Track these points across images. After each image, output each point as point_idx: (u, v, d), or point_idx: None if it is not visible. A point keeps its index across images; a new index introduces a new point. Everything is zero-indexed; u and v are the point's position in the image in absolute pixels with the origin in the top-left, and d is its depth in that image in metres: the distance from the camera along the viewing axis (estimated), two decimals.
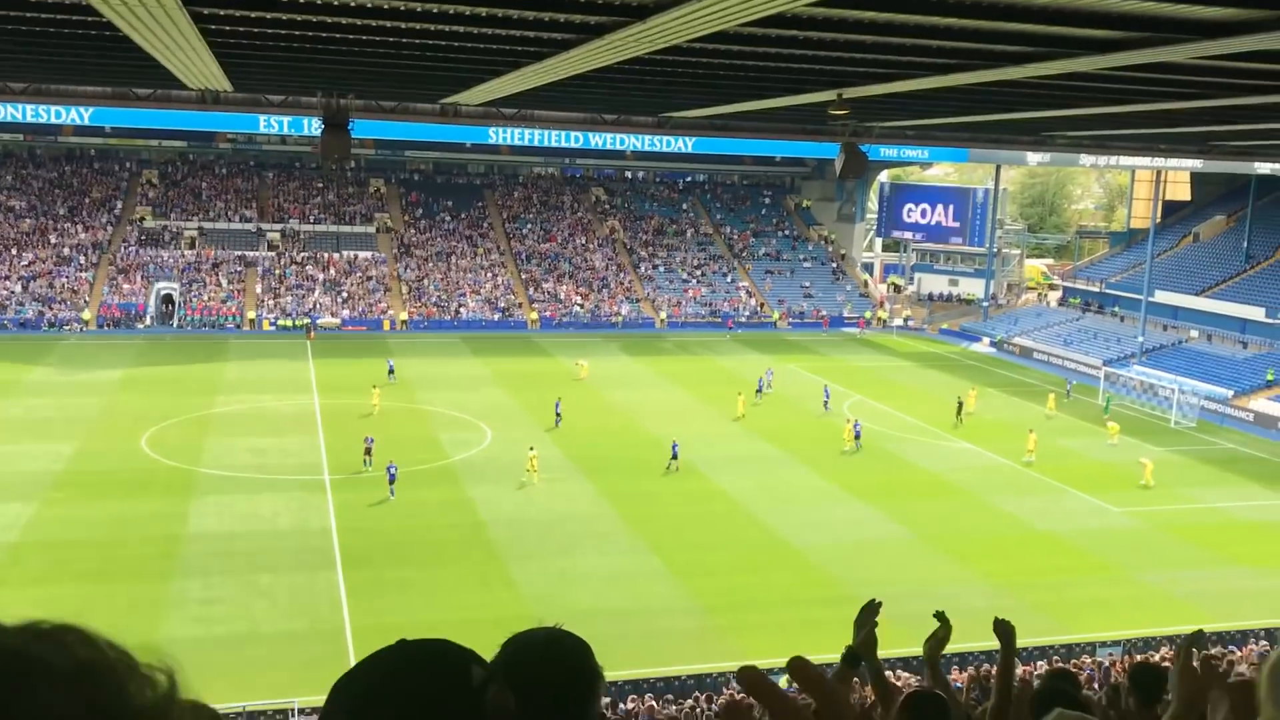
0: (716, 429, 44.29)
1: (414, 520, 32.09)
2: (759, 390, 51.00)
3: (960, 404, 47.36)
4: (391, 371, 52.07)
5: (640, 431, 42.98)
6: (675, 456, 38.22)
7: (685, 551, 30.12)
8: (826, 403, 49.07)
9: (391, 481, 34.27)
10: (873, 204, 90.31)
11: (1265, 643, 23.30)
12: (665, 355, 61.87)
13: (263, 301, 68.43)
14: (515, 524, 32.21)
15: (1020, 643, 19.07)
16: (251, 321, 66.58)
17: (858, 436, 42.24)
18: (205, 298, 67.80)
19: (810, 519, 33.47)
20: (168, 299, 67.02)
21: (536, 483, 35.63)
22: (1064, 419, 49.16)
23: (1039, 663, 21.72)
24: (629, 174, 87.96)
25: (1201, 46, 11.85)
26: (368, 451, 36.85)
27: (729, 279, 78.97)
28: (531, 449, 37.07)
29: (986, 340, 70.97)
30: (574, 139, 50.96)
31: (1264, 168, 50.71)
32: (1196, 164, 57.64)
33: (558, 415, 43.76)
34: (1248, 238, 69.64)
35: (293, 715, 20.10)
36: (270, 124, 51.56)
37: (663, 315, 73.38)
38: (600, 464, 38.30)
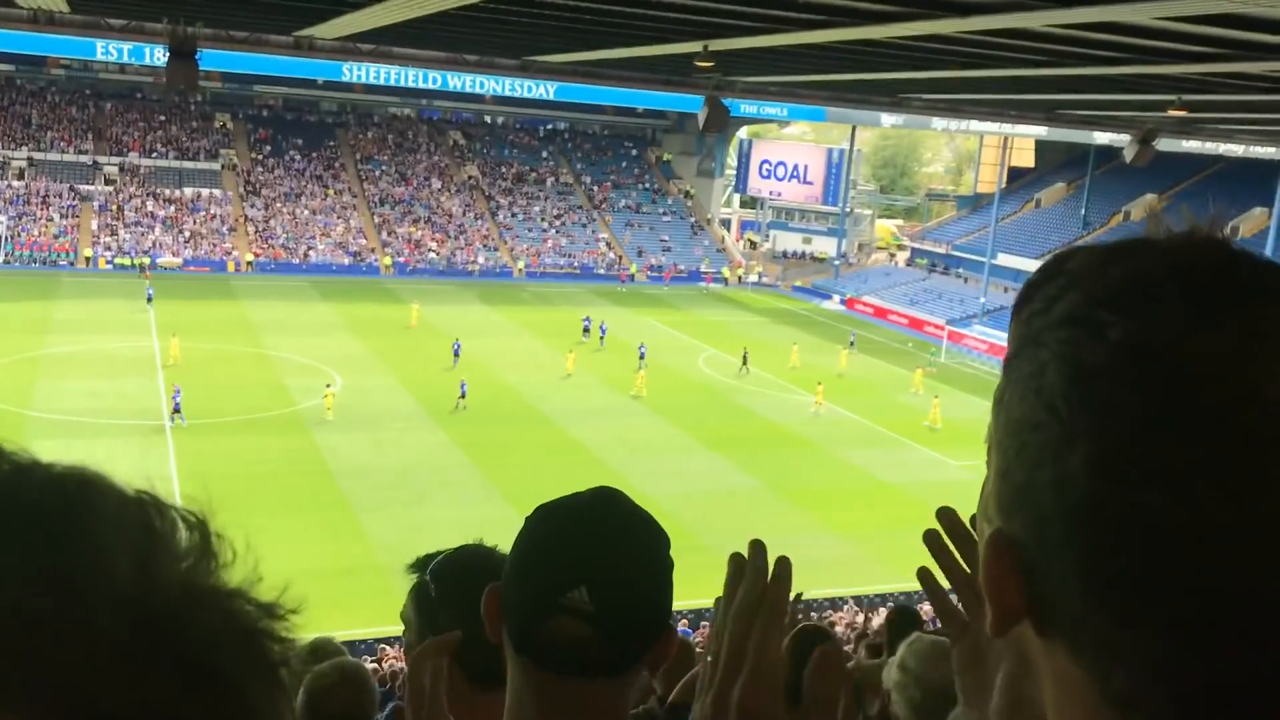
0: (572, 380, 44.26)
1: (259, 468, 31.22)
2: (585, 330, 52.54)
3: (745, 356, 48.25)
4: (150, 300, 51.55)
5: (496, 381, 42.67)
6: (463, 395, 38.51)
7: (539, 501, 29.95)
8: (602, 339, 51.26)
9: (176, 411, 34.05)
10: (731, 160, 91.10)
11: None
12: (524, 305, 61.46)
13: (98, 238, 65.18)
14: (365, 473, 31.66)
15: (861, 590, 19.39)
16: (87, 259, 63.38)
17: (641, 358, 44.95)
18: (35, 232, 64.20)
19: (663, 469, 33.82)
20: None
21: (332, 419, 35.67)
22: (896, 370, 50.78)
23: (880, 609, 22.49)
24: (488, 118, 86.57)
25: (1057, 14, 12.21)
26: (179, 409, 34.55)
27: (589, 230, 78.72)
28: (329, 385, 37.15)
29: (837, 298, 72.61)
30: (432, 79, 49.57)
31: (1103, 138, 52.91)
32: (1042, 131, 59.75)
33: (456, 355, 44.60)
34: (1085, 205, 72.91)
35: None
36: (109, 50, 48.66)
37: (521, 265, 72.79)
38: (454, 413, 37.92)
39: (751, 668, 1.11)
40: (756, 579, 1.15)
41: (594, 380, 44.46)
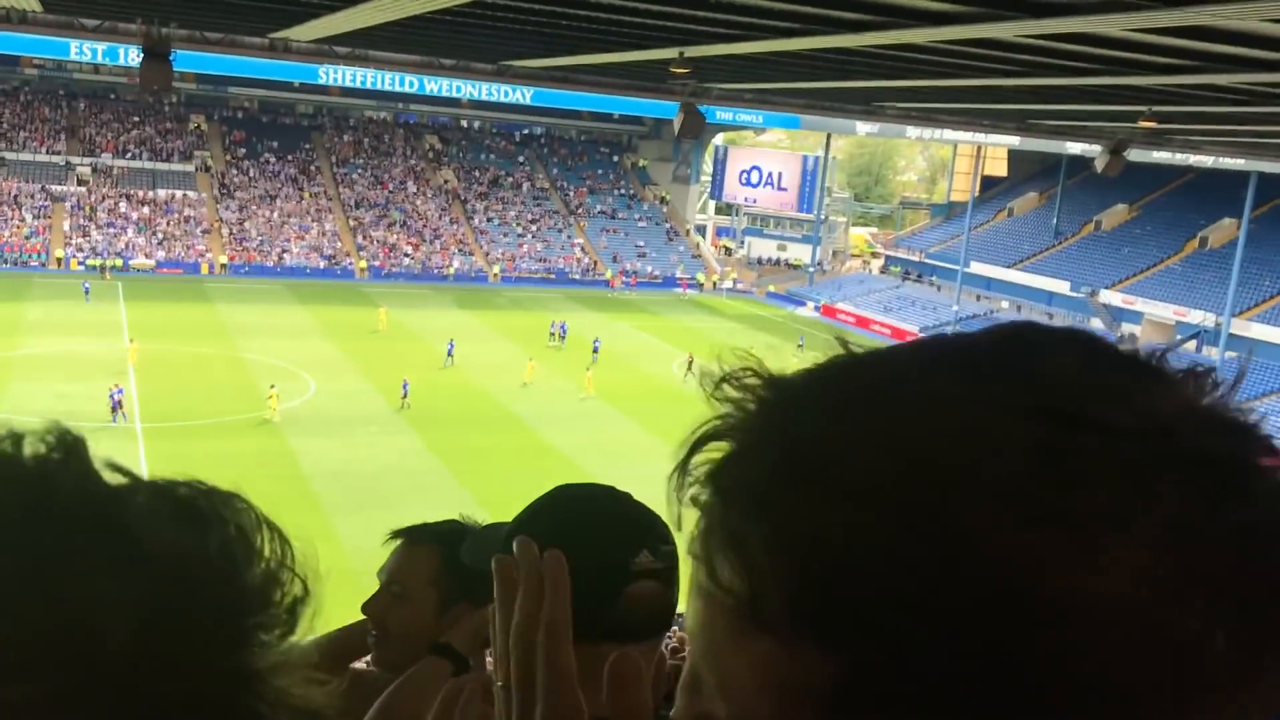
0: (547, 385, 44.25)
1: (231, 471, 30.40)
2: (552, 335, 52.86)
3: (690, 361, 47.76)
4: (87, 293, 51.63)
5: (471, 385, 42.60)
6: (405, 395, 38.76)
7: (514, 506, 29.48)
8: (564, 336, 52.32)
9: (117, 409, 34.22)
10: (707, 166, 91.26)
11: None
12: (499, 310, 61.39)
13: (70, 239, 64.66)
14: (339, 477, 31.55)
15: None
16: (59, 260, 62.85)
17: (595, 351, 47.22)
18: (7, 233, 63.62)
19: (637, 473, 33.57)
20: None
21: (278, 419, 35.85)
22: None
23: None
24: (465, 123, 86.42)
25: (1029, 25, 12.35)
26: (118, 406, 34.71)
27: (564, 235, 78.69)
28: (272, 386, 37.12)
29: (811, 305, 72.83)
30: (408, 83, 49.65)
31: (1075, 148, 53.38)
32: (1014, 141, 60.27)
33: (449, 355, 45.50)
34: (1057, 214, 73.48)
35: None
36: (83, 51, 48.43)
37: (496, 269, 72.68)
38: (429, 417, 37.83)
39: (544, 695, 0.92)
40: (532, 586, 0.95)
41: (568, 384, 44.46)
